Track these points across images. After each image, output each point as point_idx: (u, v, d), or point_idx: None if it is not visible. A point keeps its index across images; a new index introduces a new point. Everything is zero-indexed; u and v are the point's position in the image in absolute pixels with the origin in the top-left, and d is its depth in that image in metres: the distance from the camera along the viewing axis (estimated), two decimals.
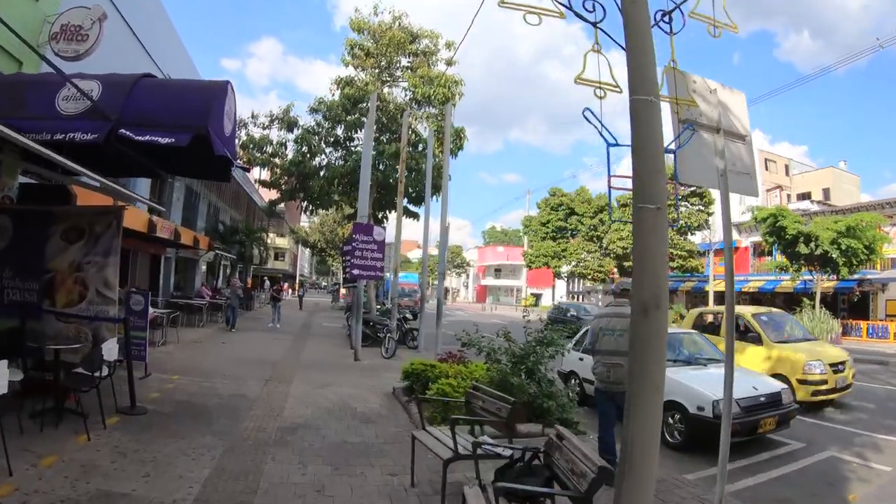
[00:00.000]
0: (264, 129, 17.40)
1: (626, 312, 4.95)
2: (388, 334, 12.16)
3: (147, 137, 5.88)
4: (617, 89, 4.42)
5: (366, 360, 11.24)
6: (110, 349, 5.56)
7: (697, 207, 33.47)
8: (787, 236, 24.91)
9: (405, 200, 17.00)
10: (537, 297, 65.41)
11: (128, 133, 5.88)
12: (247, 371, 9.18)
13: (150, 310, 11.42)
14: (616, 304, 5.30)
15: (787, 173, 48.37)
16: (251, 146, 16.86)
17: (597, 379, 5.06)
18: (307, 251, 65.53)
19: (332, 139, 17.36)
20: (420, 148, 16.99)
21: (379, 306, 18.28)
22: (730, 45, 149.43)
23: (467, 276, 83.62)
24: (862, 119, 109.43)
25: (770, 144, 43.76)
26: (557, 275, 45.01)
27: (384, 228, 12.00)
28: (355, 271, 11.07)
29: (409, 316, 15.19)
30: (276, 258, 60.81)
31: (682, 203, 33.37)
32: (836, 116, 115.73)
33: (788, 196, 46.66)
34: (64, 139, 5.83)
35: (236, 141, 17.02)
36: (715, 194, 35.25)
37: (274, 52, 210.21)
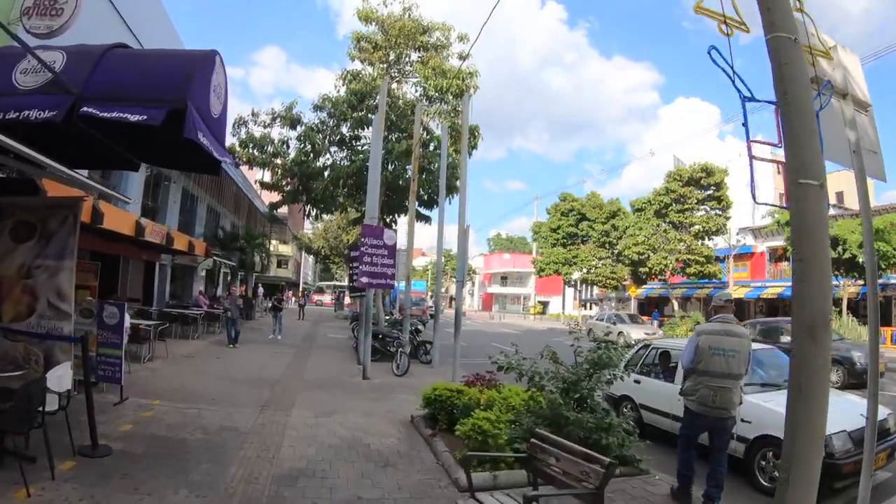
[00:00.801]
0: (265, 127, 16.28)
1: (735, 330, 4.67)
2: (400, 348, 10.93)
3: (114, 114, 4.71)
4: (743, 27, 3.24)
5: (376, 377, 10.02)
6: (60, 377, 4.37)
7: (715, 211, 32.17)
8: None
9: (416, 203, 15.84)
10: (545, 304, 64.12)
11: (91, 110, 4.72)
12: (241, 394, 7.96)
13: (131, 321, 10.26)
14: (721, 319, 4.80)
15: None
16: (251, 145, 15.73)
17: (696, 402, 4.61)
18: (311, 258, 64.41)
19: (336, 138, 16.22)
20: (432, 147, 15.83)
21: (387, 317, 17.04)
22: (733, 51, 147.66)
23: (472, 283, 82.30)
24: None
25: (773, 151, 42.46)
26: (568, 282, 43.72)
27: (395, 232, 10.81)
28: (364, 279, 9.87)
29: (420, 327, 13.96)
30: (279, 266, 59.67)
31: (700, 207, 32.12)
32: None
33: None
34: (18, 118, 4.68)
35: (235, 138, 15.93)
36: (733, 197, 34.23)
37: (277, 60, 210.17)
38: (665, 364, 7.69)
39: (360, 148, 16.00)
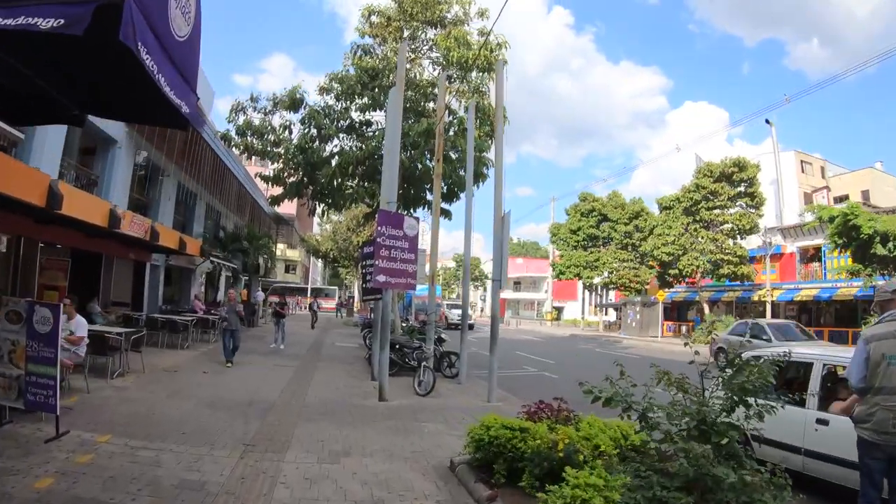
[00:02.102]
0: (266, 114, 14.49)
1: None
2: (424, 362, 9.01)
3: (21, 20, 3.00)
4: None
5: (395, 398, 8.12)
6: None
7: (749, 209, 30.01)
8: (862, 236, 21.57)
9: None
10: (559, 310, 62.12)
11: None
12: (221, 425, 6.08)
13: (96, 329, 8.49)
14: (892, 317, 3.62)
15: (822, 175, 46.28)
16: (249, 132, 13.97)
17: (872, 429, 3.49)
18: (319, 263, 62.72)
19: (345, 123, 14.42)
20: (451, 133, 13.98)
21: (403, 324, 15.16)
22: (739, 55, 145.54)
23: (485, 289, 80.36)
24: (870, 122, 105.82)
25: (782, 151, 40.75)
26: (589, 286, 41.63)
27: (417, 220, 8.93)
28: (381, 278, 8.00)
29: (443, 336, 12.04)
30: (286, 271, 58.16)
31: (732, 204, 29.98)
32: (846, 122, 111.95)
33: (825, 199, 43.85)
34: None
35: (231, 125, 14.20)
36: (766, 194, 32.17)
37: (285, 68, 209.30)
38: (781, 380, 5.78)
39: (371, 134, 14.20)
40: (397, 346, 10.69)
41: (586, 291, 51.42)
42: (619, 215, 38.05)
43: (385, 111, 14.26)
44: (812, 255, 34.00)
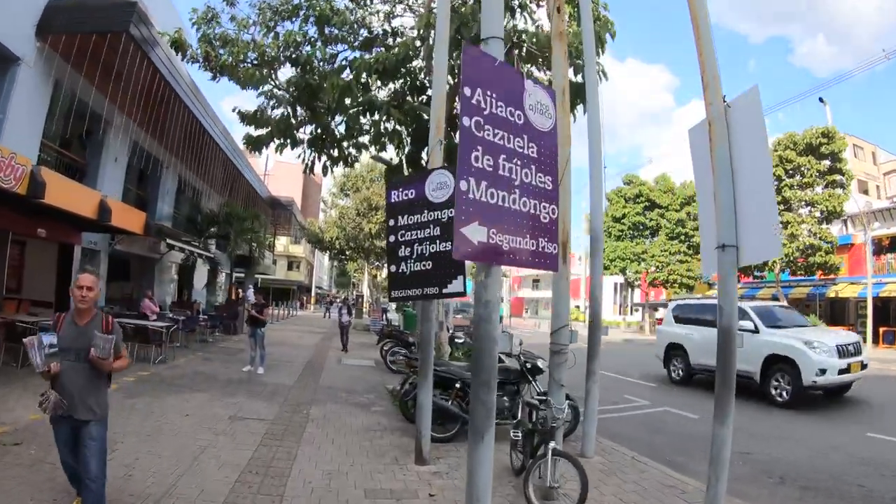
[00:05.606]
0: (250, 24, 9.51)
1: None
2: (550, 440, 3.87)
3: None
4: None
5: None
6: None
7: (836, 188, 24.73)
8: None
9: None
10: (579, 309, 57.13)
11: None
12: None
13: None
14: None
15: (874, 161, 41.98)
16: (215, 41, 9.03)
17: None
18: (325, 261, 57.75)
19: (363, 32, 9.42)
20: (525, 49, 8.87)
21: (458, 338, 10.14)
22: (745, 52, 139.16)
23: (501, 287, 75.48)
24: (875, 118, 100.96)
25: None
26: (630, 284, 36.46)
27: (552, 93, 3.57)
28: (473, 231, 2.62)
29: (540, 365, 6.55)
30: (290, 268, 53.29)
31: (820, 181, 24.73)
32: (851, 118, 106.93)
33: (878, 187, 39.04)
34: None
35: (197, 31, 9.35)
36: (854, 171, 26.97)
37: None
38: None
39: (402, 39, 9.16)
40: (456, 384, 5.66)
41: (617, 289, 46.58)
42: (668, 201, 32.96)
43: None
44: (887, 246, 29.13)
